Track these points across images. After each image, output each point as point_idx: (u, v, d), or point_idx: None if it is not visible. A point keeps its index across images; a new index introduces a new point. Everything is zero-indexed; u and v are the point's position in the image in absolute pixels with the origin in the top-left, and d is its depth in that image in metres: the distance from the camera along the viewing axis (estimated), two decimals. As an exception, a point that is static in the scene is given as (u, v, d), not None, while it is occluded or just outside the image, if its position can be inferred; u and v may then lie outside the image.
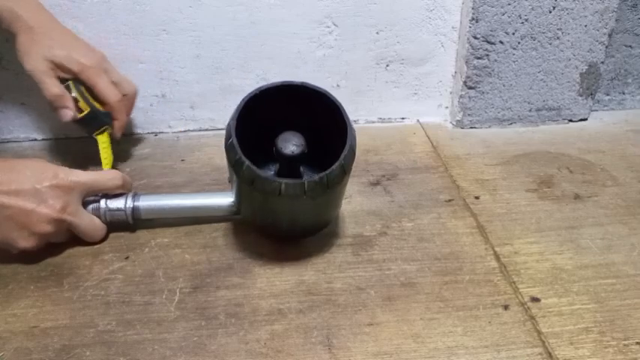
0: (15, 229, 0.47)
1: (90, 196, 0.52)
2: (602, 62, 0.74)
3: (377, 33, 0.72)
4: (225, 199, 0.55)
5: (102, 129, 0.62)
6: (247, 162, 0.44)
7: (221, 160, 0.67)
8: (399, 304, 0.47)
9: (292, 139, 0.48)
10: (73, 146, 0.71)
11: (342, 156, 0.45)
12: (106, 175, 0.52)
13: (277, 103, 0.48)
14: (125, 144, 0.71)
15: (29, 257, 0.51)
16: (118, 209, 0.53)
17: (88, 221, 0.51)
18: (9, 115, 0.70)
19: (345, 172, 0.46)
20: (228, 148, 0.46)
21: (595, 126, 0.78)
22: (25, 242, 0.48)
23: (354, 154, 0.47)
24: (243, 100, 0.47)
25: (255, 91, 0.47)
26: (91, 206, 0.52)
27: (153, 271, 0.50)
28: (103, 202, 0.52)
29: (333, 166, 0.45)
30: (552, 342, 0.43)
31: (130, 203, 0.53)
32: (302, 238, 0.54)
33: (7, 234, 0.47)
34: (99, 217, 0.52)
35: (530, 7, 0.69)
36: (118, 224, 0.54)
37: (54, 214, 0.47)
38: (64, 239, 0.51)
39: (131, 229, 0.55)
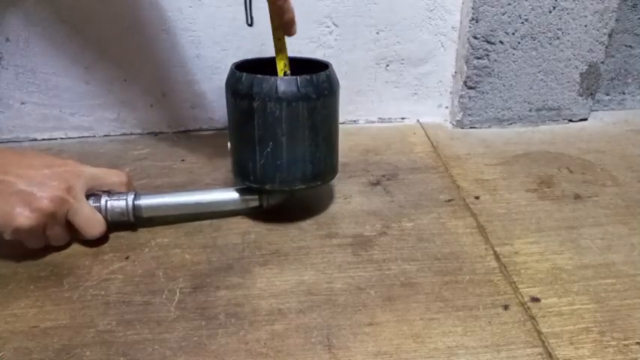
0: (17, 206, 0.47)
1: (94, 190, 0.52)
2: (602, 62, 0.74)
3: (377, 33, 0.72)
4: (227, 195, 0.55)
5: None
6: (246, 73, 0.50)
7: (221, 159, 0.67)
8: (399, 304, 0.47)
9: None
10: (72, 146, 0.71)
11: (327, 70, 0.52)
12: (112, 171, 0.54)
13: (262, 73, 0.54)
14: (125, 144, 0.71)
15: (28, 257, 0.51)
16: (120, 206, 0.53)
17: (88, 211, 0.51)
18: (9, 115, 0.70)
19: (330, 84, 0.52)
20: (229, 77, 0.52)
21: (595, 126, 0.78)
22: (24, 220, 0.47)
23: (338, 83, 0.54)
24: (235, 62, 0.54)
25: (246, 59, 0.56)
26: (92, 202, 0.52)
27: (153, 271, 0.50)
28: (104, 199, 0.52)
29: (320, 72, 0.51)
30: (552, 342, 0.43)
31: (131, 200, 0.53)
32: (301, 184, 0.53)
33: (8, 210, 0.47)
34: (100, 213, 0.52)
35: (530, 7, 0.69)
36: (119, 223, 0.54)
37: (58, 192, 0.48)
38: (62, 236, 0.51)
39: (132, 228, 0.55)
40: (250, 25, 0.53)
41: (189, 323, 0.45)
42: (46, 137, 0.73)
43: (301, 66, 0.56)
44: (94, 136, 0.73)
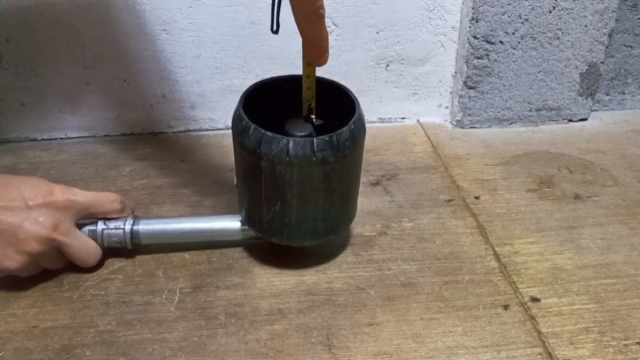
0: (2, 247, 0.44)
1: (86, 218, 0.49)
2: (602, 62, 0.74)
3: (377, 33, 0.72)
4: (231, 223, 0.51)
5: None
6: (254, 125, 0.43)
7: (221, 159, 0.67)
8: (399, 304, 0.47)
9: (300, 123, 0.49)
10: (72, 146, 0.71)
11: (352, 121, 0.45)
12: (105, 197, 0.49)
13: (280, 97, 0.49)
14: (125, 144, 0.71)
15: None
16: (116, 233, 0.49)
17: (81, 243, 0.47)
18: (9, 115, 0.70)
19: (354, 140, 0.45)
20: (235, 121, 0.45)
21: (595, 126, 0.78)
22: (11, 262, 0.44)
23: (365, 128, 0.47)
24: (247, 88, 0.48)
25: (258, 83, 0.49)
26: (87, 228, 0.49)
27: (153, 271, 0.50)
28: (100, 225, 0.49)
29: (342, 129, 0.44)
30: (552, 342, 0.43)
31: (129, 227, 0.49)
32: (311, 240, 0.49)
33: None
34: (95, 240, 0.49)
35: (530, 7, 0.69)
36: (116, 249, 0.51)
37: (43, 231, 0.44)
38: (57, 264, 0.48)
39: (130, 254, 0.52)
40: (275, 32, 0.44)
41: (189, 323, 0.45)
42: (46, 137, 0.73)
43: (323, 86, 0.49)
44: (94, 136, 0.73)
